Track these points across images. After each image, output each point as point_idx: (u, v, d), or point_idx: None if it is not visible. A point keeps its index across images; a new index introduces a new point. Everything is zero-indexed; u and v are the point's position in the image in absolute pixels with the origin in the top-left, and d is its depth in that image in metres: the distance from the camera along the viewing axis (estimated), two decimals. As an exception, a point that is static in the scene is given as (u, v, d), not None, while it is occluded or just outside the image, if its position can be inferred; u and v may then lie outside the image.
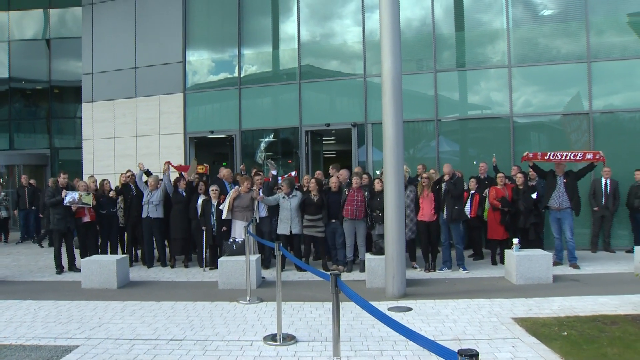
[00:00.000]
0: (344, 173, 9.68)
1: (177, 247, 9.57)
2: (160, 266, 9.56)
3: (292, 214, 8.81)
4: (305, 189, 9.39)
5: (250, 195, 8.83)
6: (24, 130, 18.40)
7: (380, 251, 7.62)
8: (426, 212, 8.47)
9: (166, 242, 9.94)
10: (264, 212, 9.14)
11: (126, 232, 10.04)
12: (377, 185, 8.52)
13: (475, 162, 10.76)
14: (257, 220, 8.87)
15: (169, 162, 10.04)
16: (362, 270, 8.34)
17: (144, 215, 9.42)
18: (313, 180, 8.97)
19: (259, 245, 8.72)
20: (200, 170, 10.38)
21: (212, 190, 9.11)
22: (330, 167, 9.96)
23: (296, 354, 4.79)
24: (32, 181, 14.20)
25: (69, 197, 8.92)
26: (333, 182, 8.95)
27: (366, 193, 8.66)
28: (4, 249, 12.78)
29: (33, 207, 13.75)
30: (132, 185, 9.89)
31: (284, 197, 8.89)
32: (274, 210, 9.25)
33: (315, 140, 13.18)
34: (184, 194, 9.55)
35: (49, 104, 18.04)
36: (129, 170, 10.33)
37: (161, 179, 9.73)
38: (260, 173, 9.87)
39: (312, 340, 5.16)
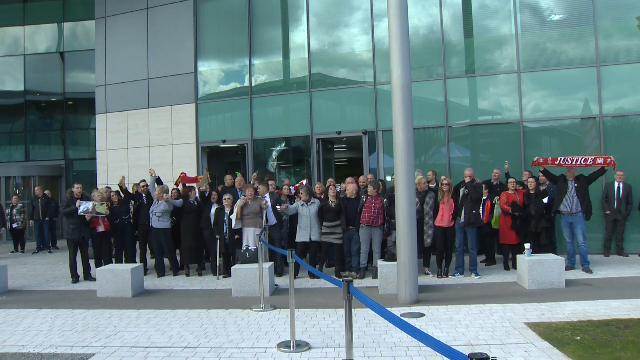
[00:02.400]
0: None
1: (187, 256, 9.65)
2: (172, 275, 9.63)
3: (311, 221, 8.85)
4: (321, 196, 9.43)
5: (259, 203, 8.90)
6: (39, 141, 18.66)
7: (392, 257, 7.64)
8: (445, 217, 8.48)
9: (177, 251, 10.03)
10: (272, 220, 9.19)
11: (138, 240, 10.14)
12: None
13: (486, 167, 10.76)
14: (266, 229, 8.93)
15: (184, 173, 10.27)
16: (375, 276, 8.37)
17: (151, 224, 9.56)
18: (332, 187, 9.03)
19: (270, 252, 8.78)
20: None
21: (226, 198, 9.19)
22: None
23: (309, 360, 4.84)
24: (46, 192, 14.41)
25: (83, 206, 9.04)
26: (348, 190, 9.00)
27: (385, 200, 8.69)
28: (20, 259, 12.96)
29: (46, 218, 13.97)
30: (143, 194, 10.03)
31: (302, 205, 8.94)
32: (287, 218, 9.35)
33: (326, 148, 13.24)
34: (195, 203, 9.66)
35: (63, 116, 18.31)
36: (142, 180, 10.38)
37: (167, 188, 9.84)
38: (272, 181, 9.95)
39: (325, 346, 5.20)
